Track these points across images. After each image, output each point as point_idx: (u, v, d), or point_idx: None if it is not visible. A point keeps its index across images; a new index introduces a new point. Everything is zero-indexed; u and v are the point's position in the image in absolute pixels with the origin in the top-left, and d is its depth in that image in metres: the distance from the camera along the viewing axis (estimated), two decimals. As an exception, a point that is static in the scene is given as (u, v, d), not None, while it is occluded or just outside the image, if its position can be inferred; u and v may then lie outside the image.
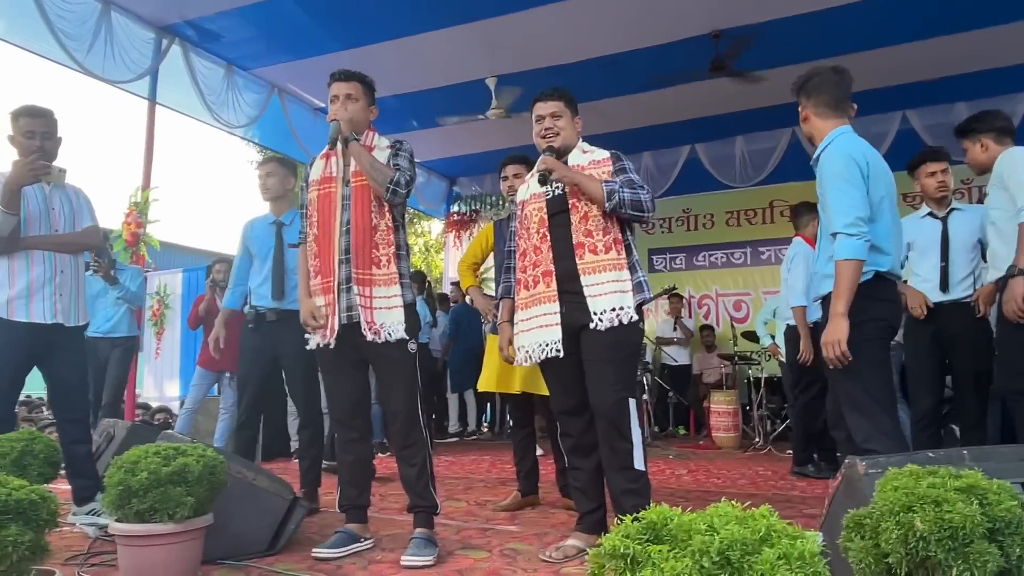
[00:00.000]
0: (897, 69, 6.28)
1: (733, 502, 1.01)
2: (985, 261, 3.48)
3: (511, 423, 3.98)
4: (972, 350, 3.48)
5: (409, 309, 2.76)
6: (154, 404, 8.51)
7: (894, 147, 7.03)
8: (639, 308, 2.65)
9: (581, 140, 2.87)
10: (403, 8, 5.54)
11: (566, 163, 2.77)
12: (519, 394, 3.69)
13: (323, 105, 7.30)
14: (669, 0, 5.39)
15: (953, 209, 3.68)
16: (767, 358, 7.25)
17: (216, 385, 6.05)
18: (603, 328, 2.56)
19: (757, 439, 6.70)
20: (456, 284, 8.46)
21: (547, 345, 2.63)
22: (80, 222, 3.37)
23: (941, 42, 5.86)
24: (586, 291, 2.62)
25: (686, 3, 5.44)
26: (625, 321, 2.57)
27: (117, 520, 2.25)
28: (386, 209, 2.76)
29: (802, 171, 8.17)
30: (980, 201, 3.27)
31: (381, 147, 2.84)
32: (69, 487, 3.33)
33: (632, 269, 2.66)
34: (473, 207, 10.05)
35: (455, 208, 10.21)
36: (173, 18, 5.66)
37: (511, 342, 2.85)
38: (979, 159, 3.26)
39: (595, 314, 2.58)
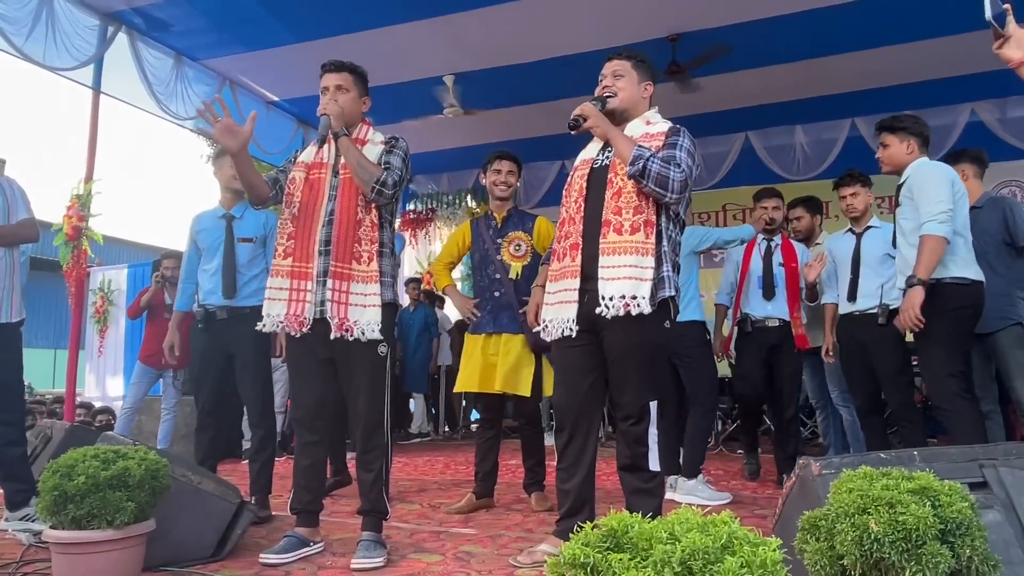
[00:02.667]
0: (848, 76, 6.43)
1: (693, 507, 1.00)
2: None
3: (478, 423, 3.92)
4: (882, 355, 3.70)
5: (387, 309, 2.70)
6: (96, 404, 8.22)
7: (843, 153, 7.21)
8: (662, 304, 2.42)
9: (653, 111, 2.66)
10: (360, 1, 5.45)
11: (623, 131, 2.55)
12: (491, 394, 3.65)
13: (276, 98, 7.15)
14: (628, 2, 5.41)
15: (870, 227, 4.00)
16: (718, 359, 7.34)
17: (160, 383, 5.88)
18: (609, 316, 2.34)
19: (708, 439, 6.76)
20: (412, 281, 8.37)
21: (563, 323, 2.47)
22: (15, 214, 3.23)
23: (896, 50, 6.00)
24: (600, 272, 2.40)
25: (644, 6, 5.46)
26: (634, 313, 2.32)
27: (52, 527, 2.15)
28: (373, 205, 2.69)
29: (754, 175, 8.32)
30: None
31: (375, 141, 2.78)
32: (1, 491, 3.18)
33: (660, 259, 2.42)
34: (429, 205, 9.97)
35: (411, 206, 10.11)
36: (119, 5, 5.45)
37: (539, 308, 2.72)
38: (900, 159, 3.26)
39: (603, 298, 2.36)
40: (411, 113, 7.07)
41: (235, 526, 2.71)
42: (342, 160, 2.70)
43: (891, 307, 3.56)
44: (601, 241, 2.42)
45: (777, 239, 4.46)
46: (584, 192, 2.54)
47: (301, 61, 6.18)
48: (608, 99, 2.58)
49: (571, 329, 2.45)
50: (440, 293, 3.76)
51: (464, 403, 8.86)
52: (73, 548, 2.13)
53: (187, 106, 6.18)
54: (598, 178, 2.53)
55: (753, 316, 4.38)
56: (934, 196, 3.01)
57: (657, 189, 2.38)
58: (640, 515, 0.98)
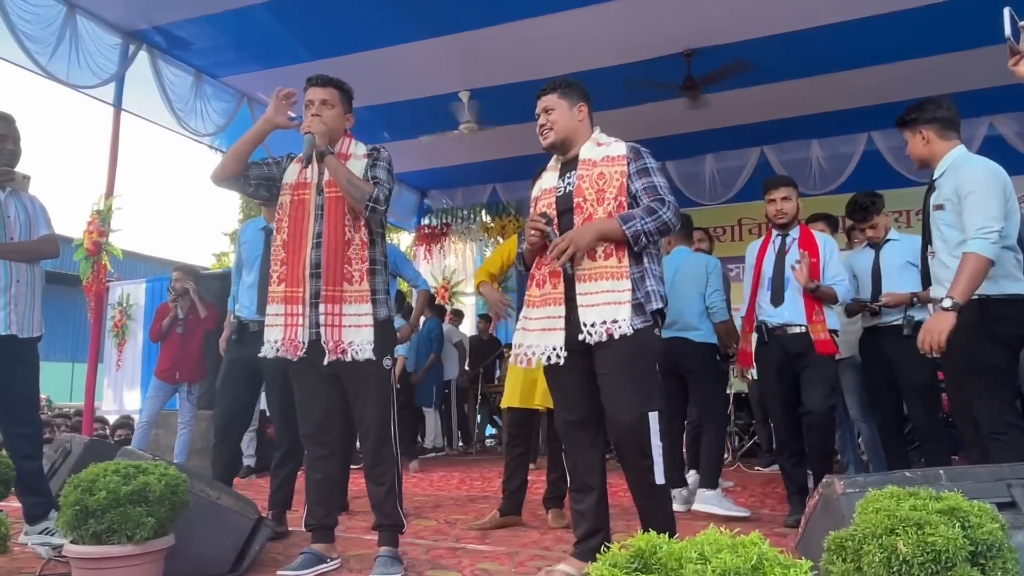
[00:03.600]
0: (864, 90, 6.41)
1: (722, 528, 0.99)
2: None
3: (506, 439, 3.89)
4: (907, 369, 3.62)
5: (382, 326, 2.68)
6: (113, 417, 8.28)
7: (859, 167, 7.18)
8: (653, 315, 2.42)
9: (597, 130, 2.65)
10: (377, 20, 5.51)
11: (576, 157, 2.57)
12: (520, 410, 3.65)
13: (294, 115, 7.20)
14: (643, 19, 5.43)
15: (888, 240, 3.94)
16: (734, 375, 7.30)
17: (175, 397, 5.91)
18: (592, 342, 2.37)
19: (726, 455, 6.72)
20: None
21: (549, 350, 2.45)
22: (36, 230, 3.27)
23: (912, 64, 5.99)
24: (578, 299, 2.43)
25: (659, 22, 5.49)
26: (616, 336, 2.34)
27: (72, 541, 2.16)
28: (362, 223, 2.67)
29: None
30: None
31: (357, 155, 2.75)
32: (20, 505, 3.20)
33: (638, 280, 2.42)
34: (444, 220, 10.01)
35: (426, 221, 10.16)
36: (141, 24, 5.55)
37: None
38: (920, 152, 2.97)
39: (584, 326, 2.38)
40: (427, 129, 7.12)
41: (253, 542, 2.71)
42: (326, 177, 2.68)
43: (915, 319, 3.51)
44: (576, 268, 2.43)
45: (794, 232, 3.77)
46: (556, 221, 2.53)
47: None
48: (548, 230, 2.51)
49: (559, 356, 2.44)
50: (477, 291, 3.70)
51: (480, 418, 8.83)
52: (93, 563, 2.14)
53: (206, 122, 6.27)
54: (564, 204, 2.55)
55: (768, 323, 3.74)
56: (983, 208, 2.65)
57: (663, 237, 2.48)
58: (656, 532, 0.97)
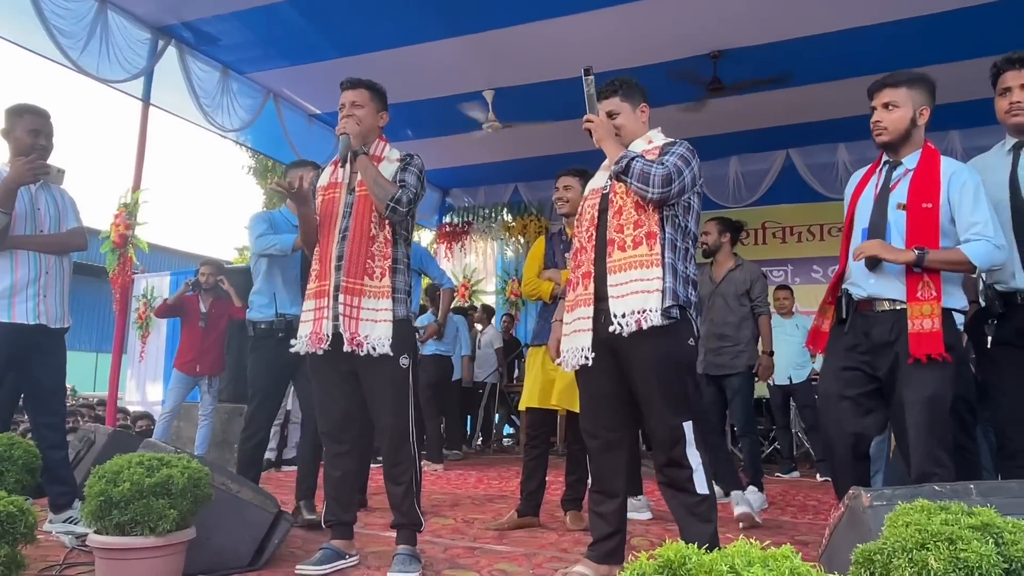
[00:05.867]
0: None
1: (753, 540, 0.97)
2: None
3: (524, 440, 3.87)
4: None
5: (400, 325, 2.70)
6: (135, 408, 8.37)
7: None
8: (683, 320, 2.36)
9: (654, 131, 2.65)
10: (402, 18, 5.52)
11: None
12: (539, 411, 3.65)
13: (318, 112, 7.25)
14: (670, 19, 5.39)
15: None
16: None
17: (197, 389, 5.97)
18: (625, 334, 2.30)
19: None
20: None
21: (578, 351, 2.43)
22: (65, 223, 3.32)
23: (941, 68, 5.85)
24: (609, 292, 2.38)
25: (686, 23, 5.44)
26: (645, 327, 2.28)
27: (96, 532, 2.18)
28: (387, 221, 2.72)
29: (794, 193, 8.19)
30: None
31: (391, 159, 2.80)
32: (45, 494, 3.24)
33: (668, 269, 2.34)
34: (465, 219, 10.01)
35: (447, 219, 10.17)
36: (170, 19, 5.60)
37: (559, 343, 2.67)
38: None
39: (615, 317, 2.33)
40: (450, 127, 7.12)
41: (272, 536, 2.73)
42: (357, 178, 2.74)
43: None
44: (608, 261, 2.41)
45: (911, 160, 2.51)
46: (595, 220, 2.52)
47: (342, 75, 6.22)
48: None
49: (587, 357, 2.40)
50: (558, 296, 3.64)
51: (497, 418, 8.81)
52: (116, 553, 2.16)
53: (232, 118, 6.32)
54: (605, 203, 2.52)
55: (853, 293, 2.54)
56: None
57: (640, 185, 2.37)
58: (696, 546, 0.95)
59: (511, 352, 8.52)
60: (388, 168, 2.76)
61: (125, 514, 2.12)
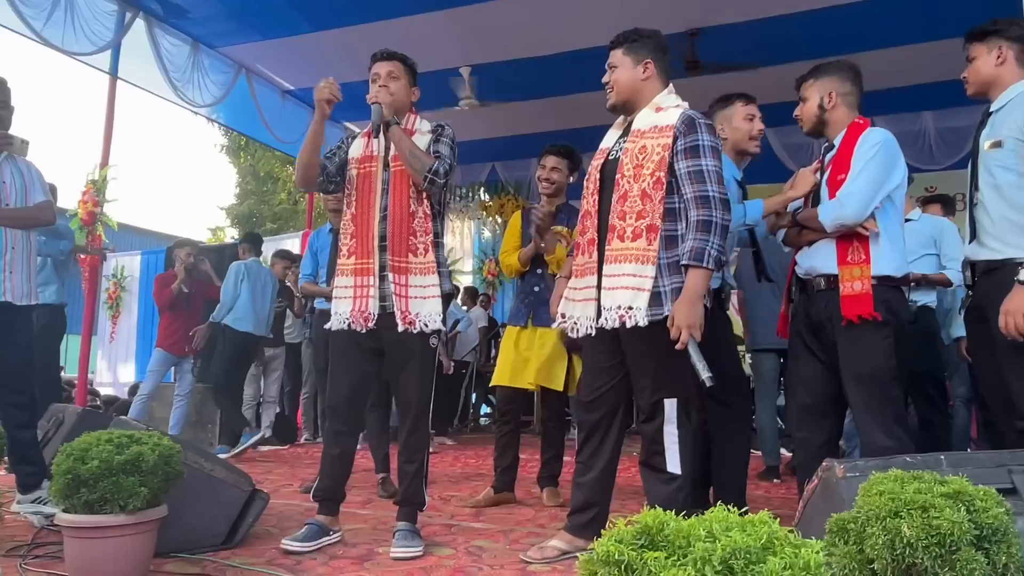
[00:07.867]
0: (872, 74, 6.33)
1: (730, 507, 0.97)
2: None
3: (496, 416, 3.89)
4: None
5: (445, 300, 2.72)
6: (106, 389, 8.26)
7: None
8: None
9: (664, 92, 2.48)
10: (378, -9, 5.42)
11: (633, 122, 2.46)
12: (511, 388, 3.64)
13: (292, 88, 7.13)
14: (648, -4, 5.35)
15: (908, 219, 3.46)
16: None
17: (172, 371, 5.88)
18: (608, 327, 2.33)
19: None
20: None
21: (585, 320, 2.43)
22: (32, 197, 3.22)
23: (921, 48, 5.91)
24: (603, 282, 2.38)
25: (664, 0, 5.41)
26: (628, 325, 2.27)
27: (64, 510, 2.14)
28: (424, 195, 2.70)
29: (770, 172, 8.22)
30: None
31: (423, 131, 2.78)
32: (12, 474, 3.18)
33: (663, 269, 2.29)
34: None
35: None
36: (138, -10, 5.46)
37: (561, 299, 2.64)
38: (985, 74, 2.43)
39: (604, 308, 2.35)
40: (426, 104, 7.02)
41: (247, 514, 2.70)
42: (392, 152, 2.71)
43: (918, 303, 3.29)
44: (607, 248, 2.40)
45: (838, 139, 2.62)
46: (598, 185, 2.50)
47: (317, 50, 6.16)
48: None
49: (590, 329, 2.42)
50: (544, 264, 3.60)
51: (475, 397, 8.83)
52: (85, 532, 2.12)
53: (203, 94, 6.18)
54: (610, 172, 2.48)
55: (796, 271, 2.64)
56: None
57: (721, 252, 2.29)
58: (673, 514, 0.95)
59: (488, 332, 8.51)
60: (421, 140, 2.74)
61: (94, 492, 2.08)
